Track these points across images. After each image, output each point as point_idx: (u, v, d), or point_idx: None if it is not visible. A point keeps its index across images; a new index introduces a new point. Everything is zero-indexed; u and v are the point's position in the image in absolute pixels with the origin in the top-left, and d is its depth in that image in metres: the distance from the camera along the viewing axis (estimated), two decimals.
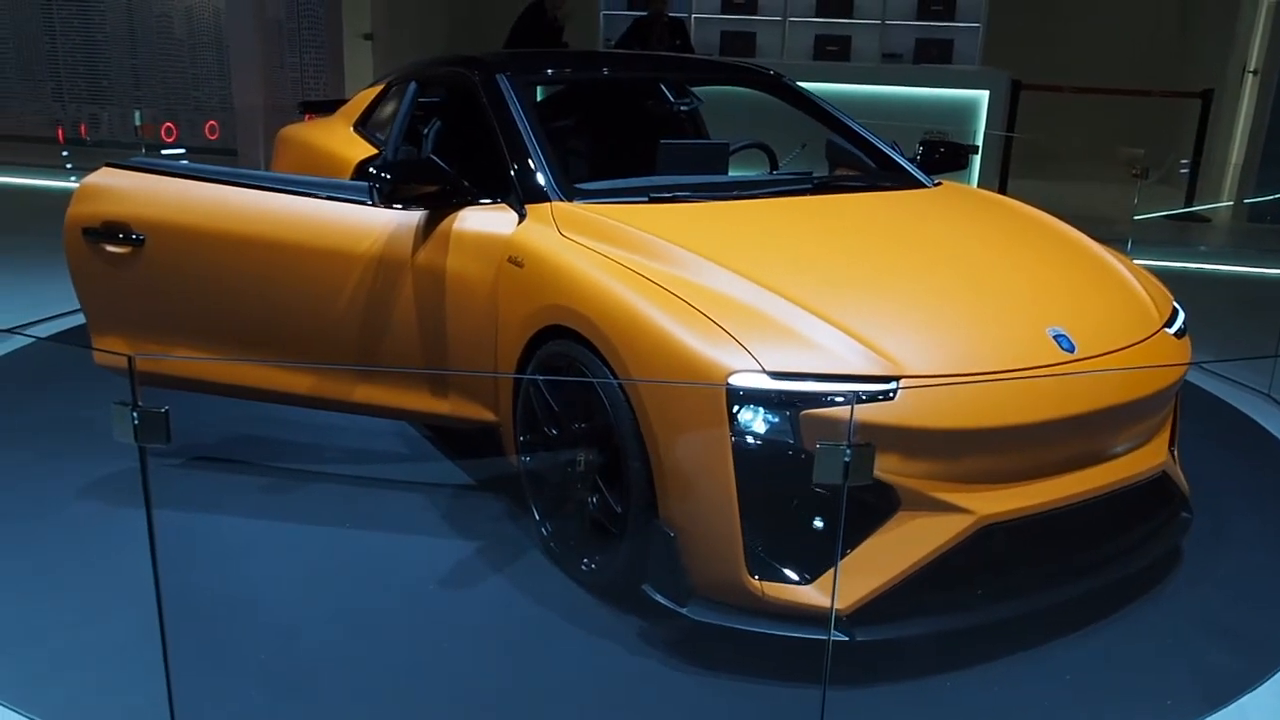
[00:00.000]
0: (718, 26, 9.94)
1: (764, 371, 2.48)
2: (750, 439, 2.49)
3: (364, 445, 3.95)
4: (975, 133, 9.16)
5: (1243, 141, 10.17)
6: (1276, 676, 2.70)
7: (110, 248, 3.45)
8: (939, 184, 3.89)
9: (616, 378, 2.70)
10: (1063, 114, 10.90)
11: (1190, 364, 3.09)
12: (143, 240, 3.43)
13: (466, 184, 3.30)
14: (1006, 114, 9.42)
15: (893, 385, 2.51)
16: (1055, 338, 2.75)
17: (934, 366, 2.58)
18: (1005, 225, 3.55)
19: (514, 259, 3.12)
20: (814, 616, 2.50)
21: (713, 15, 9.92)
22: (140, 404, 1.95)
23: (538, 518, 3.16)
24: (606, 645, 2.75)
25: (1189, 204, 9.73)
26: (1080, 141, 11.39)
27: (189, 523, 3.29)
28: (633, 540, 2.74)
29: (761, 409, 2.49)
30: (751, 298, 2.68)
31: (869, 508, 2.51)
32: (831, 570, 2.48)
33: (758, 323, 2.61)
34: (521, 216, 3.21)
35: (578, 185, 3.35)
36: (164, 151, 9.27)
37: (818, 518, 2.52)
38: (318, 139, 4.74)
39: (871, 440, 2.36)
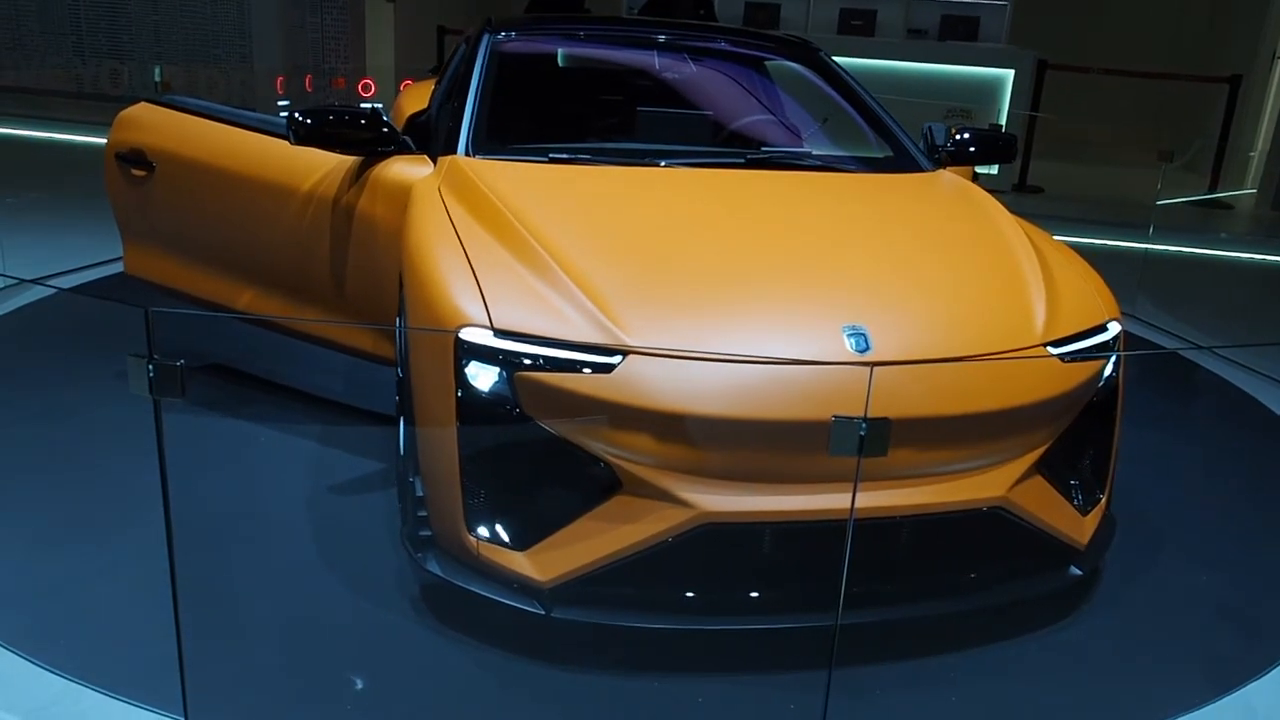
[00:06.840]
0: None
1: (490, 328, 2.46)
2: (474, 394, 2.47)
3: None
4: (1000, 111, 9.08)
5: (1269, 128, 10.06)
6: None
7: (134, 170, 3.89)
8: (936, 171, 3.65)
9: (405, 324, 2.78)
10: (1088, 95, 10.79)
11: (1010, 353, 2.61)
12: (154, 167, 3.83)
13: (389, 133, 3.36)
14: (1032, 94, 9.33)
15: (616, 359, 2.40)
16: (850, 335, 2.50)
17: (671, 345, 2.43)
18: (918, 221, 3.21)
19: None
20: (521, 585, 2.48)
21: None
22: (156, 357, 1.96)
23: (401, 457, 3.25)
24: (362, 590, 2.79)
25: (1212, 190, 9.63)
26: (1106, 124, 11.29)
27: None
28: (405, 486, 2.79)
29: (495, 366, 2.45)
30: (529, 260, 2.65)
31: (590, 484, 2.45)
32: (544, 541, 2.46)
33: (515, 283, 2.58)
34: (434, 168, 3.31)
35: (515, 145, 3.39)
36: (279, 103, 9.55)
37: (536, 486, 2.50)
38: (410, 94, 5.22)
39: (597, 414, 2.38)
